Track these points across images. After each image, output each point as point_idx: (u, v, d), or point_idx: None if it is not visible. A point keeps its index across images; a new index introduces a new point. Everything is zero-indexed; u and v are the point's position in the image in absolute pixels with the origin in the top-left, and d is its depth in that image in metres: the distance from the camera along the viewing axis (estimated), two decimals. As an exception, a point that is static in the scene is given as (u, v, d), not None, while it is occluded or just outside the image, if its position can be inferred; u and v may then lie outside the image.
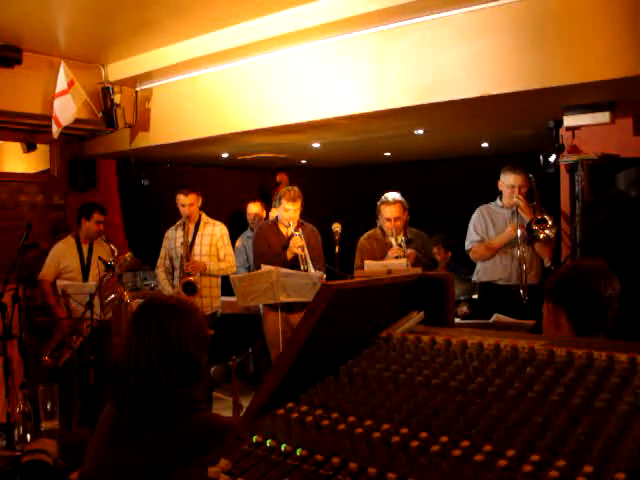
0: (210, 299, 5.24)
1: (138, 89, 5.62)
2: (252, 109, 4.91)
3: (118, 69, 5.38)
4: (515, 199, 4.39)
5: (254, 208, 6.64)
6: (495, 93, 3.61)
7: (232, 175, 9.23)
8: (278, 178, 7.86)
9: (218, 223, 5.39)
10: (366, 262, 4.52)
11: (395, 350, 1.25)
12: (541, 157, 4.57)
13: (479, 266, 4.64)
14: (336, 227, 4.84)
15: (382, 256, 4.62)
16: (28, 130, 5.88)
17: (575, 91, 3.53)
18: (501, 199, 4.59)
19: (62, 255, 5.21)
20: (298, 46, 4.49)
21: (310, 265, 4.66)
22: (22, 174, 6.54)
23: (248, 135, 5.29)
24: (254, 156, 7.57)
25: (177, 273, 5.24)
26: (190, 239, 5.22)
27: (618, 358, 1.07)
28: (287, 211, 4.82)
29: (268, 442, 0.99)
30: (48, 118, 5.12)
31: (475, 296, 5.36)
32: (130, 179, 7.07)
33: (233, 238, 5.79)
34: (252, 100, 4.89)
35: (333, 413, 1.02)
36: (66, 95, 5.00)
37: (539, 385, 1.01)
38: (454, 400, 1.00)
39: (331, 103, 4.42)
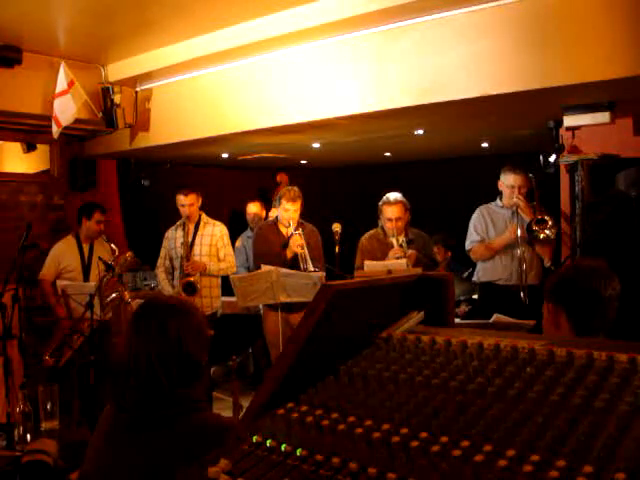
0: (210, 299, 5.24)
1: (138, 89, 5.62)
2: (252, 109, 4.91)
3: (118, 69, 5.38)
4: (515, 199, 4.39)
5: (253, 208, 6.65)
6: (495, 93, 3.61)
7: (232, 175, 9.23)
8: (278, 178, 7.87)
9: (218, 223, 5.39)
10: (366, 262, 4.52)
11: (395, 350, 1.25)
12: (541, 157, 4.57)
13: (479, 266, 4.65)
14: (336, 227, 4.84)
15: (383, 256, 4.62)
16: (28, 130, 5.88)
17: (575, 91, 3.53)
18: (501, 199, 4.59)
19: (62, 255, 5.21)
20: (298, 46, 4.49)
21: (310, 264, 4.66)
22: (22, 174, 6.53)
23: (248, 135, 5.29)
24: (254, 156, 7.57)
25: (177, 273, 5.24)
26: (190, 239, 5.22)
27: (618, 358, 1.07)
28: (287, 211, 4.82)
29: (268, 442, 0.99)
30: (48, 118, 5.12)
31: (475, 296, 5.37)
32: (130, 179, 7.07)
33: (233, 238, 5.79)
34: (252, 100, 4.89)
35: (333, 413, 1.02)
36: (66, 95, 5.00)
37: (539, 385, 1.01)
38: (454, 400, 1.00)
39: (331, 103, 4.42)
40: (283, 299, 4.47)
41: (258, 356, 6.24)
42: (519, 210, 4.37)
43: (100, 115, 5.44)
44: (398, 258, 4.49)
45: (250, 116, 4.93)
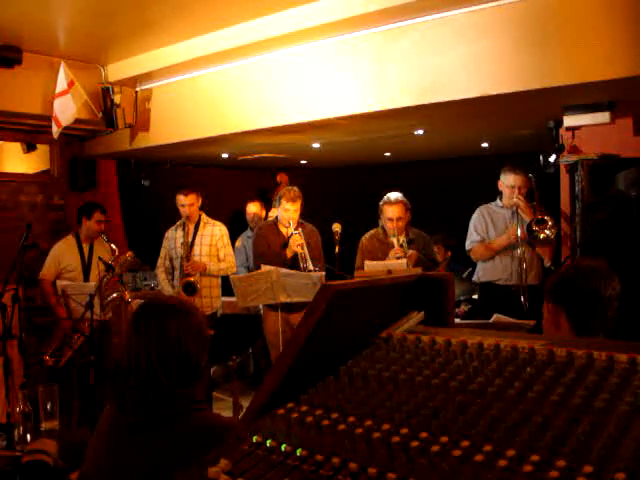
0: (210, 299, 5.24)
1: (138, 89, 5.62)
2: (252, 109, 4.91)
3: (118, 69, 5.38)
4: (515, 199, 4.39)
5: (253, 208, 6.66)
6: (495, 93, 3.61)
7: (232, 175, 9.23)
8: (278, 178, 7.87)
9: (218, 223, 5.39)
10: (366, 262, 4.52)
11: (395, 350, 1.25)
12: (541, 157, 4.57)
13: (479, 266, 4.65)
14: (336, 227, 4.84)
15: (383, 256, 4.62)
16: (28, 130, 5.88)
17: (575, 91, 3.53)
18: (501, 199, 4.59)
19: (62, 254, 5.21)
20: (298, 46, 4.50)
21: (310, 264, 4.66)
22: (22, 174, 6.54)
23: (248, 135, 5.29)
24: (254, 156, 7.57)
25: (177, 273, 5.24)
26: (190, 239, 5.22)
27: (618, 358, 1.07)
28: (287, 211, 4.82)
29: (268, 442, 0.99)
30: (48, 118, 5.12)
31: (475, 296, 5.37)
32: (130, 179, 7.07)
33: (233, 238, 5.79)
34: (252, 100, 4.89)
35: (333, 413, 1.02)
36: (66, 95, 5.00)
37: (539, 385, 1.01)
38: (454, 400, 1.00)
39: (331, 103, 4.42)
40: (283, 299, 4.47)
41: (258, 356, 6.25)
42: (519, 210, 4.38)
43: (100, 115, 5.44)
44: (398, 258, 4.50)
45: (250, 116, 4.93)
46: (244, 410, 1.17)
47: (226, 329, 5.29)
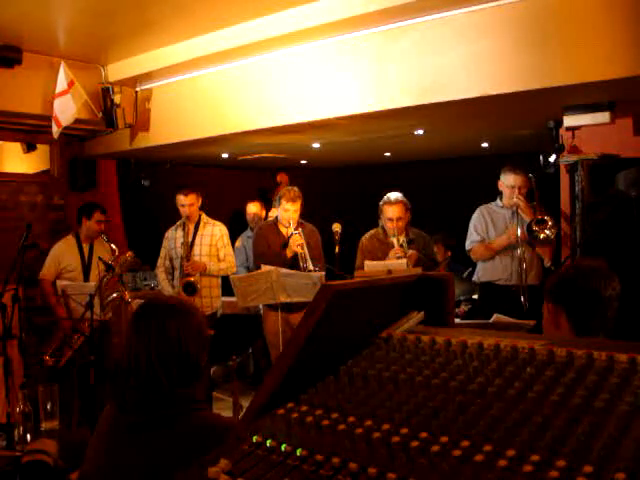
0: (210, 299, 5.24)
1: (138, 89, 5.62)
2: (252, 109, 4.91)
3: (118, 69, 5.38)
4: (515, 199, 4.39)
5: (253, 208, 6.66)
6: (495, 93, 3.61)
7: (232, 175, 9.23)
8: (278, 178, 7.87)
9: (218, 223, 5.39)
10: (366, 262, 4.52)
11: (395, 350, 1.25)
12: (541, 157, 4.57)
13: (479, 266, 4.65)
14: (336, 227, 4.84)
15: (384, 256, 4.62)
16: (28, 130, 5.88)
17: (575, 91, 3.53)
18: (501, 199, 4.59)
19: (62, 255, 5.21)
20: (298, 46, 4.50)
21: (310, 264, 4.66)
22: (22, 174, 6.54)
23: (248, 135, 5.29)
24: (254, 156, 7.57)
25: (177, 273, 5.24)
26: (190, 239, 5.22)
27: (618, 358, 1.07)
28: (287, 211, 4.82)
29: (268, 442, 0.99)
30: (48, 118, 5.12)
31: (475, 296, 5.37)
32: (130, 179, 7.07)
33: (233, 238, 5.79)
34: (252, 100, 4.89)
35: (333, 413, 1.02)
36: (66, 95, 5.00)
37: (539, 385, 1.01)
38: (454, 400, 1.00)
39: (331, 103, 4.42)
40: (283, 299, 4.47)
41: (258, 356, 6.25)
42: (519, 210, 4.38)
43: (100, 115, 5.44)
44: (399, 258, 4.50)
45: (250, 116, 4.93)
46: (244, 410, 1.17)
47: (226, 329, 5.29)
